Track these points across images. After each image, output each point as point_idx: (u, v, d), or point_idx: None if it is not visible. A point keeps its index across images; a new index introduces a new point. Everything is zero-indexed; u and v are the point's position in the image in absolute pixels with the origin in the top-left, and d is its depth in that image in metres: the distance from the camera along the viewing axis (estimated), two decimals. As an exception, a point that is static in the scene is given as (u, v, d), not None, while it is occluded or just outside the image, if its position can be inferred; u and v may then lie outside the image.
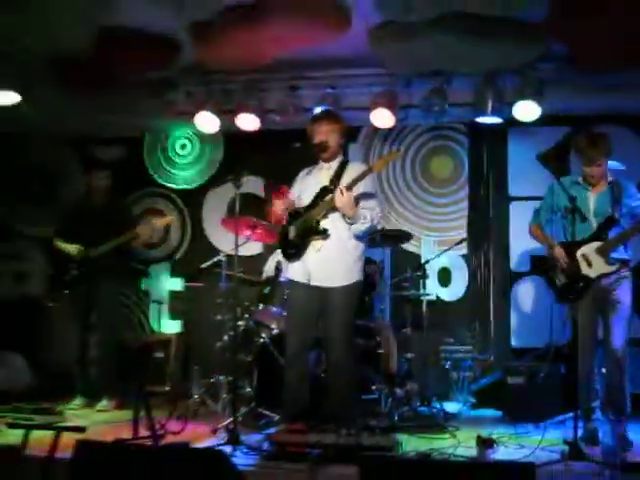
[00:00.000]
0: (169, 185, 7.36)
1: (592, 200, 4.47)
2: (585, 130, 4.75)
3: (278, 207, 4.55)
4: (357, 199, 4.37)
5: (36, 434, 3.68)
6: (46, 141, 7.51)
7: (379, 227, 5.42)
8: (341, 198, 4.22)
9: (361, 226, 4.35)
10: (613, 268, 4.32)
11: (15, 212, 7.55)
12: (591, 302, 4.38)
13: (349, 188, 4.26)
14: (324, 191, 4.47)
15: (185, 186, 7.33)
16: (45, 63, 5.67)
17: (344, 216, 4.35)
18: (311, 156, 4.71)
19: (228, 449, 3.90)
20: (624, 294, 4.37)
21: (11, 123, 6.85)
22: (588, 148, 4.43)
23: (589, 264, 4.34)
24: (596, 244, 4.36)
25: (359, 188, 4.38)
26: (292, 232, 4.56)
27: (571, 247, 4.37)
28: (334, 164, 4.58)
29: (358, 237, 4.47)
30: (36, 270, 7.39)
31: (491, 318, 6.62)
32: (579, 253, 4.35)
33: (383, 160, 4.57)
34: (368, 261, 5.15)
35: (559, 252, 4.48)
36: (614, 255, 4.33)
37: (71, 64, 5.61)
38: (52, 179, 7.52)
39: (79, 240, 5.81)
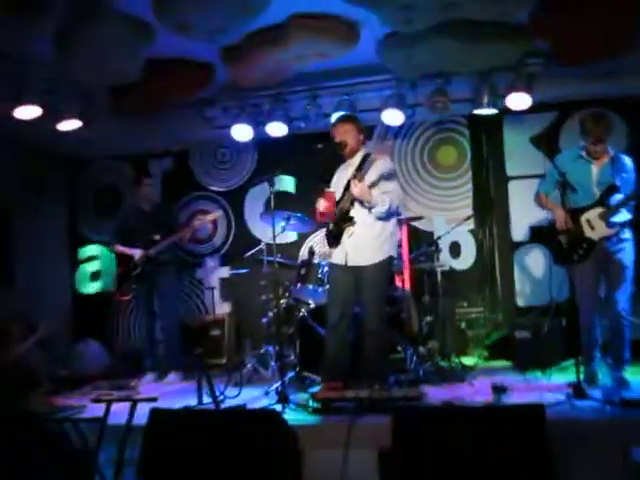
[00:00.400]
0: (214, 188, 7.37)
1: (595, 172, 4.37)
2: (588, 112, 4.63)
3: (320, 205, 4.55)
4: (375, 184, 4.35)
5: (116, 407, 3.76)
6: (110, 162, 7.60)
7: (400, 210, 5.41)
8: (355, 189, 4.24)
9: (381, 208, 4.32)
10: (613, 231, 4.23)
11: (91, 224, 7.65)
12: (594, 262, 4.29)
13: (360, 179, 4.25)
14: (348, 184, 4.44)
15: (227, 187, 7.34)
16: (101, 93, 5.75)
17: (363, 202, 4.35)
18: (334, 154, 4.67)
19: (279, 408, 3.93)
20: (627, 258, 4.27)
21: (78, 148, 6.97)
22: (594, 128, 4.33)
23: (592, 228, 4.26)
24: (599, 210, 4.27)
25: (371, 176, 4.35)
26: (331, 224, 4.59)
27: (575, 213, 4.30)
28: (356, 159, 4.53)
29: (381, 219, 4.43)
30: (107, 270, 7.45)
31: (498, 282, 6.58)
32: (583, 218, 4.26)
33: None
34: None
35: (564, 216, 4.36)
36: (614, 219, 4.25)
37: (124, 92, 5.67)
38: (119, 194, 7.59)
39: (137, 242, 5.87)
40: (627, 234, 4.32)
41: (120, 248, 5.99)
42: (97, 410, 3.84)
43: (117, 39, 4.65)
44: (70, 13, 4.29)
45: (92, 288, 7.52)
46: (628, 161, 4.44)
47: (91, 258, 7.56)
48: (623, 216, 4.30)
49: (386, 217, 4.43)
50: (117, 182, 7.61)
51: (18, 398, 4.57)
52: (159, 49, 4.96)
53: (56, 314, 6.39)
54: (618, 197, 4.27)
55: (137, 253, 5.84)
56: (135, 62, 5.05)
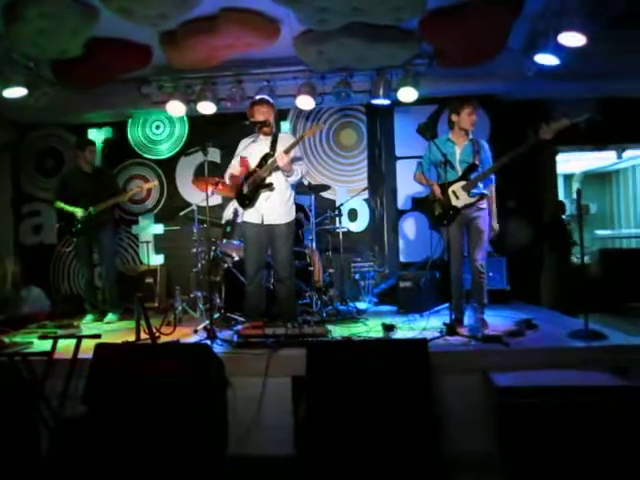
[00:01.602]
0: (148, 157, 7.01)
1: (458, 152, 4.45)
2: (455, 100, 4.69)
3: (235, 169, 4.56)
4: (292, 160, 4.32)
5: (61, 343, 3.58)
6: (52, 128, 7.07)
7: (305, 182, 5.47)
8: (282, 159, 4.19)
9: (295, 177, 4.39)
10: (473, 199, 4.32)
11: (34, 183, 7.12)
12: (459, 226, 4.39)
13: (287, 152, 4.22)
14: (266, 156, 4.40)
15: (161, 156, 7.00)
16: (46, 66, 5.30)
17: (283, 172, 4.33)
18: (249, 130, 4.58)
19: (208, 342, 3.86)
20: (484, 224, 4.37)
21: (23, 115, 6.42)
22: (462, 104, 4.40)
23: (457, 197, 4.34)
24: (462, 183, 4.35)
25: (291, 153, 4.33)
26: (245, 188, 4.46)
27: (444, 186, 4.36)
28: (270, 136, 4.49)
29: (292, 186, 4.50)
30: (48, 224, 7.00)
31: (385, 242, 6.67)
32: (450, 190, 4.34)
33: (312, 129, 4.50)
34: (299, 207, 5.12)
35: (436, 189, 4.47)
36: (474, 191, 4.34)
37: (67, 67, 5.24)
38: (59, 157, 7.09)
39: (79, 201, 5.51)
40: (484, 204, 4.41)
41: (61, 205, 5.58)
42: (43, 346, 3.63)
43: (62, 17, 4.26)
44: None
45: (34, 240, 7.04)
46: (484, 143, 4.54)
47: (33, 213, 7.06)
48: (480, 190, 4.40)
49: (295, 185, 4.53)
50: (58, 146, 7.08)
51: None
52: (102, 29, 4.61)
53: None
54: (476, 173, 4.37)
55: (77, 211, 5.48)
56: (78, 40, 4.66)
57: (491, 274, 5.68)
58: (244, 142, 4.60)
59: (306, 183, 5.67)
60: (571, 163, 9.58)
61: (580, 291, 4.99)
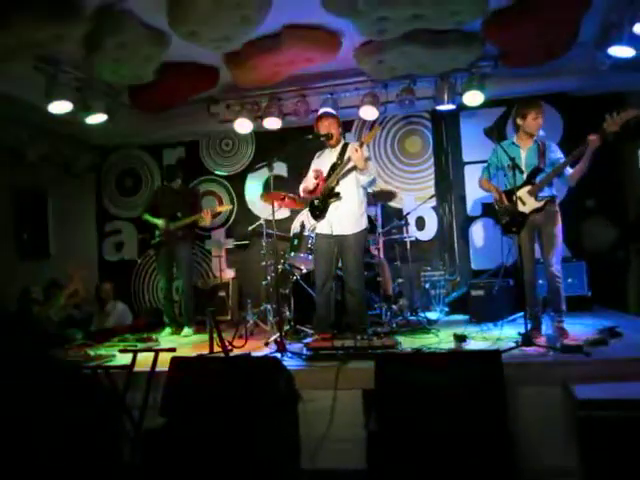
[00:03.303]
0: (219, 173, 7.23)
1: (522, 156, 4.29)
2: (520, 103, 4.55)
3: (311, 182, 4.58)
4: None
5: (140, 356, 3.73)
6: (130, 150, 7.46)
7: (371, 190, 5.37)
8: (355, 154, 4.20)
9: (369, 177, 4.36)
10: (541, 203, 4.16)
11: (115, 202, 7.53)
12: (529, 232, 4.23)
13: (360, 147, 4.24)
14: (334, 167, 4.45)
15: (230, 172, 7.20)
16: (122, 91, 5.59)
17: (357, 171, 4.33)
18: (319, 143, 4.62)
19: (278, 355, 3.91)
20: (557, 229, 4.19)
21: (105, 138, 6.80)
22: (528, 108, 4.24)
23: (523, 203, 4.19)
24: (527, 187, 4.20)
25: (365, 148, 4.33)
26: (316, 200, 4.51)
27: (510, 193, 4.22)
28: (338, 147, 4.55)
29: (364, 194, 4.48)
30: (129, 241, 7.37)
31: (456, 250, 6.54)
32: (516, 196, 4.21)
33: (370, 135, 4.45)
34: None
35: (497, 195, 4.35)
36: (541, 194, 4.18)
37: (141, 91, 5.51)
38: (137, 177, 7.48)
39: (162, 216, 5.78)
40: (554, 207, 4.24)
41: (147, 216, 5.88)
42: (124, 360, 3.80)
43: (138, 45, 4.49)
44: (97, 20, 4.13)
45: (116, 257, 7.43)
46: (552, 144, 4.35)
47: (116, 231, 7.45)
48: (549, 192, 4.23)
49: (367, 186, 4.47)
50: (136, 167, 7.47)
51: (54, 348, 4.49)
52: (172, 54, 4.81)
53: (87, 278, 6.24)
54: (541, 176, 4.20)
55: (160, 222, 5.74)
56: (151, 65, 4.89)
57: (570, 280, 5.43)
58: (317, 155, 4.70)
59: (371, 191, 5.65)
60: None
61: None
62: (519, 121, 4.32)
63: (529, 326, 3.96)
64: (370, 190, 4.64)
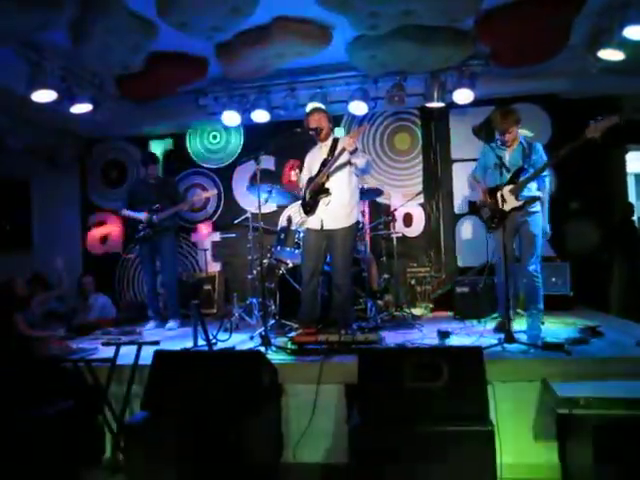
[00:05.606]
0: (206, 166, 7.20)
1: (507, 156, 4.36)
2: (497, 109, 4.63)
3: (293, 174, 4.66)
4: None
5: (123, 349, 3.71)
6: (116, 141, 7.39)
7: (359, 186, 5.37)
8: (347, 140, 4.22)
9: (362, 159, 4.35)
10: (520, 203, 4.22)
11: (99, 194, 7.46)
12: (509, 230, 4.25)
13: (352, 135, 4.29)
14: (325, 162, 4.43)
15: (218, 165, 7.17)
16: (108, 81, 5.54)
17: (348, 154, 4.29)
18: (309, 138, 4.61)
19: (263, 349, 3.90)
20: (535, 228, 4.25)
21: (91, 129, 6.73)
22: (501, 122, 4.35)
23: (504, 201, 4.22)
24: (509, 186, 4.25)
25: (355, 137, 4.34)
26: (307, 195, 4.52)
27: (493, 191, 4.28)
28: (328, 142, 4.52)
29: (363, 172, 4.46)
30: (114, 233, 7.31)
31: (442, 247, 6.57)
32: (498, 194, 4.20)
33: (357, 132, 4.45)
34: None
35: (482, 193, 4.45)
36: (523, 194, 4.24)
37: (129, 81, 5.47)
38: (123, 169, 7.41)
39: (142, 209, 5.71)
40: (536, 207, 4.30)
41: (128, 213, 5.82)
42: (107, 353, 3.78)
43: (125, 32, 4.45)
44: (84, 5, 4.08)
45: (100, 249, 7.35)
46: (537, 145, 4.41)
47: (100, 223, 7.37)
48: (530, 192, 4.29)
49: (364, 171, 4.44)
50: (122, 158, 7.40)
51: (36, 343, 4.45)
52: (160, 43, 4.77)
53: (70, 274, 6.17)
54: (524, 176, 4.26)
55: (143, 217, 5.68)
56: (139, 54, 4.85)
57: (553, 279, 5.50)
58: (308, 153, 4.69)
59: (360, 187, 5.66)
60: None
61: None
62: (498, 133, 4.41)
63: (507, 324, 3.94)
64: (368, 174, 4.56)
